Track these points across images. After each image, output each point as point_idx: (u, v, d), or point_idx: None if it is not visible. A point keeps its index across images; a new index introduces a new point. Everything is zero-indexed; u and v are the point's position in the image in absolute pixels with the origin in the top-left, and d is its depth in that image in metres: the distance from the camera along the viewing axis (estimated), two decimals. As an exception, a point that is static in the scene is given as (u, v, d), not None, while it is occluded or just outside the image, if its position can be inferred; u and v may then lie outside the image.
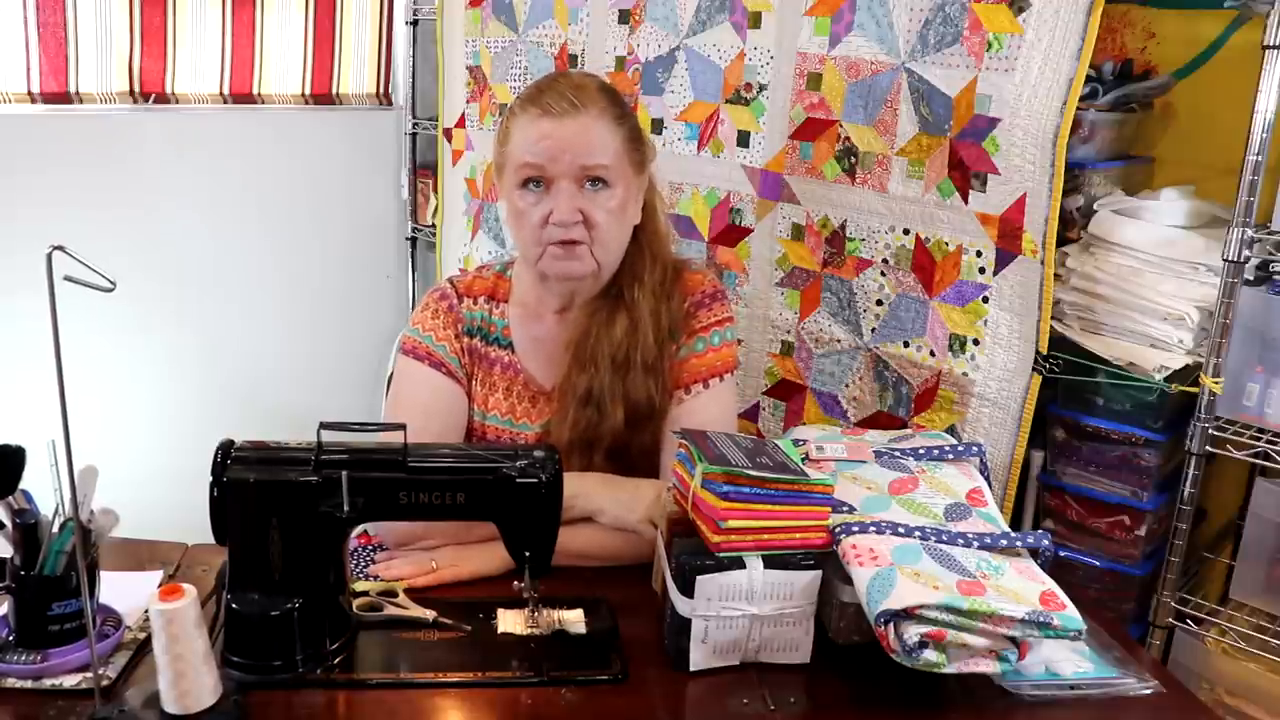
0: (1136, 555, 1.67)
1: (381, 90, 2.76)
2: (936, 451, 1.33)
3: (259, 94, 2.51)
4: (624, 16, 2.04)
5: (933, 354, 1.72)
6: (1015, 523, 1.74)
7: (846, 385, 1.84)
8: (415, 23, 2.71)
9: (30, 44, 2.13)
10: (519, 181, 1.35)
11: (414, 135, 2.77)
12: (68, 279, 0.89)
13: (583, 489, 1.33)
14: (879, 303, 1.77)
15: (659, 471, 1.43)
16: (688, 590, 1.10)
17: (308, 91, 2.60)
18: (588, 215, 1.33)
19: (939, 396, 1.72)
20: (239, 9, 2.41)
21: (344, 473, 1.08)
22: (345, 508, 1.08)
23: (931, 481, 1.27)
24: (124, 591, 1.15)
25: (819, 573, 1.13)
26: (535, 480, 1.13)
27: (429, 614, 1.20)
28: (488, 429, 1.48)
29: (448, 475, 1.13)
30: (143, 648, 1.10)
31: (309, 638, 1.09)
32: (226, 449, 1.10)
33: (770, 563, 1.11)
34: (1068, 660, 1.16)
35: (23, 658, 1.05)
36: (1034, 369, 1.61)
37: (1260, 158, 1.43)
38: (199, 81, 2.40)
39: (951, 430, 1.67)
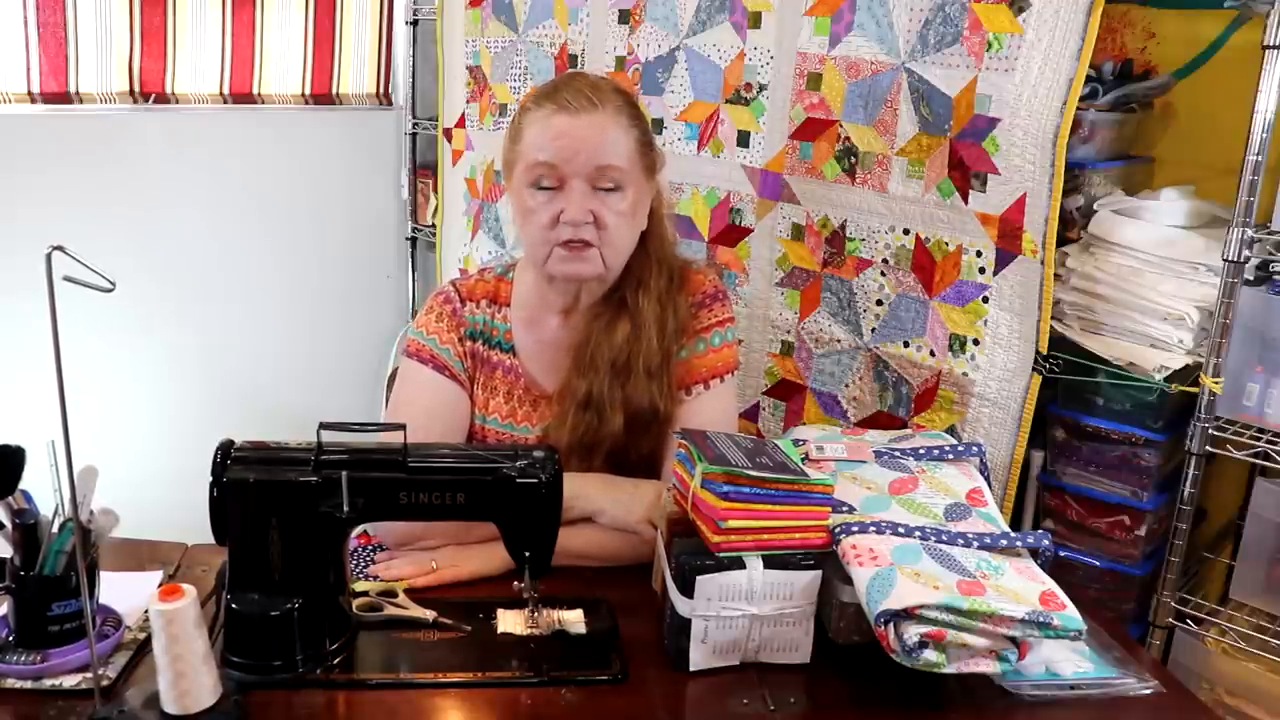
0: (1136, 555, 1.67)
1: (381, 90, 2.76)
2: (936, 451, 1.33)
3: (259, 94, 2.51)
4: (624, 16, 2.04)
5: (933, 354, 1.72)
6: (1015, 523, 1.74)
7: (846, 385, 1.84)
8: (415, 23, 2.71)
9: (30, 44, 2.13)
10: (530, 180, 1.35)
11: (414, 135, 2.77)
12: (67, 279, 0.89)
13: (582, 490, 1.33)
14: (879, 303, 1.77)
15: (659, 477, 1.43)
16: (688, 590, 1.10)
17: (308, 91, 2.60)
18: (598, 216, 1.33)
19: (939, 396, 1.72)
20: (239, 9, 2.41)
21: (344, 473, 1.08)
22: (345, 508, 1.08)
23: (931, 481, 1.27)
24: (124, 591, 1.15)
25: (819, 573, 1.13)
26: (535, 480, 1.13)
27: (429, 614, 1.19)
28: (488, 432, 1.48)
29: (448, 475, 1.13)
30: (143, 648, 1.10)
31: (309, 638, 1.09)
32: (226, 449, 1.10)
33: (770, 563, 1.11)
34: (1068, 660, 1.16)
35: (23, 658, 1.05)
36: (1034, 369, 1.61)
37: (1260, 158, 1.43)
38: (199, 81, 2.40)
39: (951, 430, 1.67)
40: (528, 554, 1.15)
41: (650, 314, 1.41)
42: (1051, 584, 1.11)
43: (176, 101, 2.37)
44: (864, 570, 1.09)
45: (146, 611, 1.12)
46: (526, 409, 1.47)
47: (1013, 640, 1.06)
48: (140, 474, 1.92)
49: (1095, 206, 1.68)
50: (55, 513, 1.07)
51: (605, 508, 1.34)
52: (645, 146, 1.39)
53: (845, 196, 1.78)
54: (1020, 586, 1.09)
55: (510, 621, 1.19)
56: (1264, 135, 1.43)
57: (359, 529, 1.37)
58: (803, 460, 1.22)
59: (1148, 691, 1.13)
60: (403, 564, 1.30)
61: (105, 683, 1.04)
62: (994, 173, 1.58)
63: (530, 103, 1.38)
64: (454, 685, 1.09)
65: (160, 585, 1.10)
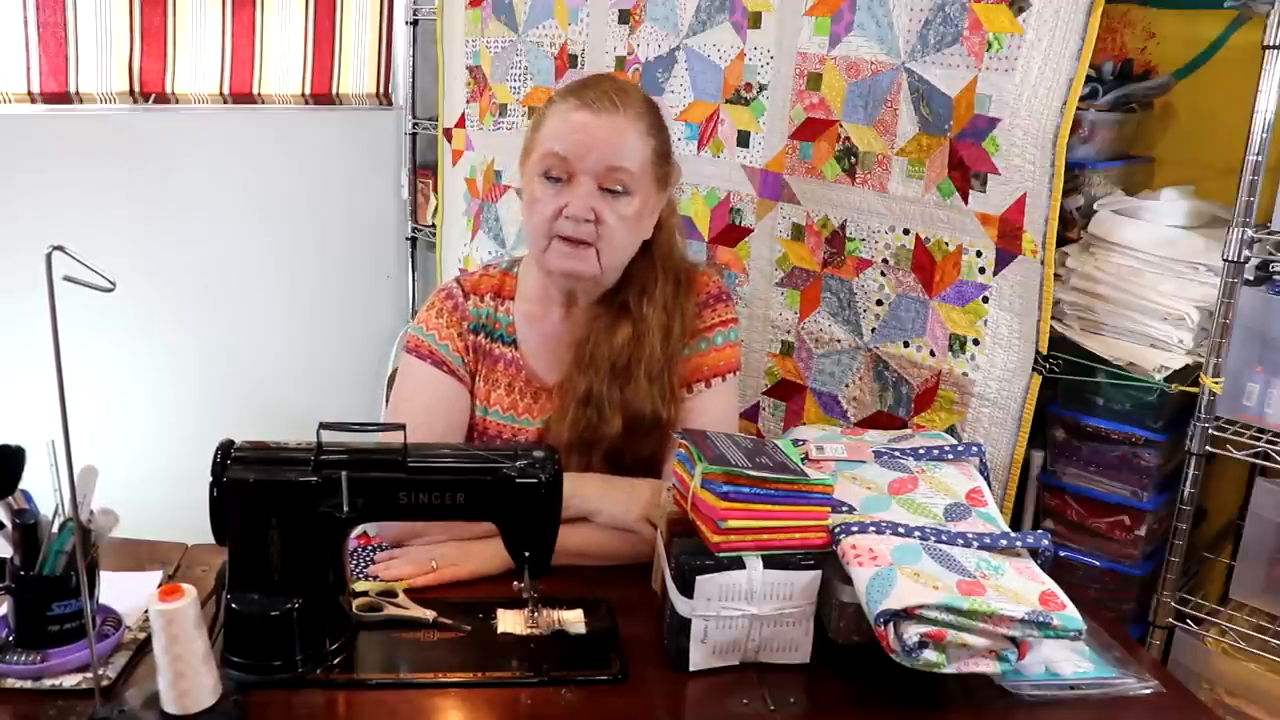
0: (1136, 555, 1.67)
1: (381, 90, 2.76)
2: (936, 451, 1.33)
3: (259, 94, 2.51)
4: (624, 16, 2.04)
5: (933, 354, 1.72)
6: (1015, 523, 1.74)
7: (846, 385, 1.84)
8: (415, 23, 2.71)
9: (30, 44, 2.13)
10: (541, 169, 1.36)
11: (414, 135, 2.77)
12: (67, 279, 0.89)
13: (579, 488, 1.32)
14: (879, 303, 1.77)
15: (658, 478, 1.43)
16: (687, 590, 1.10)
17: (308, 91, 2.60)
18: (600, 215, 1.33)
19: (939, 396, 1.72)
20: (239, 9, 2.41)
21: (344, 473, 1.08)
22: (345, 508, 1.08)
23: (931, 481, 1.27)
24: (124, 591, 1.15)
25: (819, 573, 1.13)
26: (535, 480, 1.13)
27: (429, 614, 1.20)
28: (489, 424, 1.48)
29: (448, 475, 1.13)
30: (143, 648, 1.10)
31: (309, 638, 1.09)
32: (226, 449, 1.10)
33: (770, 563, 1.11)
34: (1068, 660, 1.16)
35: (23, 658, 1.05)
36: (1034, 369, 1.61)
37: (1260, 158, 1.43)
38: (199, 81, 2.40)
39: (951, 430, 1.67)
40: (527, 554, 1.15)
41: (655, 321, 1.41)
42: (1051, 584, 1.11)
43: (176, 101, 2.37)
44: (864, 570, 1.09)
45: (146, 611, 1.12)
46: (528, 401, 1.47)
47: (1013, 640, 1.06)
48: (140, 474, 1.91)
49: (1095, 206, 1.68)
50: (55, 513, 1.07)
51: (602, 507, 1.34)
52: (661, 158, 1.39)
53: (845, 196, 1.78)
54: (1020, 586, 1.09)
55: (510, 621, 1.19)
56: (1264, 135, 1.43)
57: (359, 529, 1.37)
58: (803, 460, 1.22)
59: (1148, 691, 1.13)
60: (403, 564, 1.30)
61: (105, 683, 1.04)
62: (994, 173, 1.58)
63: (556, 95, 1.39)
64: (454, 685, 1.09)
65: (160, 585, 1.10)
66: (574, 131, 1.33)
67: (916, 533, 1.15)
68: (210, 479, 1.08)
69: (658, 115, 1.41)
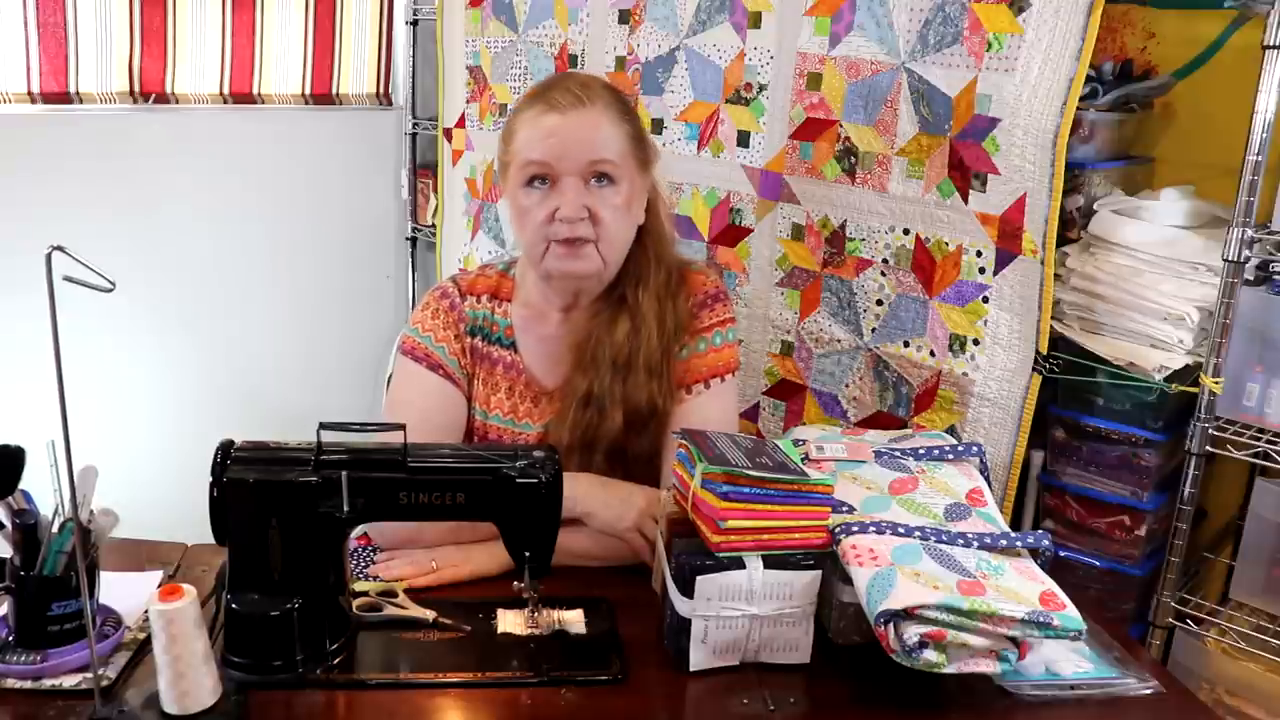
0: (1136, 555, 1.67)
1: (381, 90, 2.76)
2: (936, 451, 1.33)
3: (259, 94, 2.51)
4: (624, 16, 2.04)
5: (933, 354, 1.72)
6: (1015, 523, 1.74)
7: (846, 385, 1.84)
8: (415, 23, 2.71)
9: (30, 44, 2.13)
10: (524, 180, 1.35)
11: (414, 135, 2.77)
12: (67, 279, 0.89)
13: (575, 491, 1.31)
14: (879, 303, 1.77)
15: (658, 476, 1.43)
16: (688, 590, 1.10)
17: (308, 91, 2.60)
18: (594, 212, 1.33)
19: (939, 396, 1.72)
20: (239, 9, 2.41)
21: (344, 473, 1.08)
22: (345, 508, 1.08)
23: (931, 481, 1.27)
24: (124, 591, 1.15)
25: (819, 573, 1.13)
26: (535, 480, 1.13)
27: (429, 614, 1.20)
28: (490, 429, 1.48)
29: (448, 475, 1.13)
30: (143, 648, 1.10)
31: (309, 638, 1.09)
32: (226, 449, 1.10)
33: (770, 563, 1.11)
34: (1068, 660, 1.16)
35: (22, 658, 1.05)
36: (1034, 369, 1.61)
37: (1260, 158, 1.43)
38: (199, 81, 2.40)
39: (951, 430, 1.67)
40: (528, 554, 1.15)
41: (650, 311, 1.41)
42: (1051, 584, 1.11)
43: (176, 101, 2.37)
44: (864, 570, 1.09)
45: (146, 611, 1.12)
46: (528, 405, 1.47)
47: (1013, 640, 1.06)
48: (140, 474, 1.92)
49: (1095, 206, 1.68)
50: (55, 513, 1.07)
51: (596, 511, 1.33)
52: (637, 142, 1.39)
53: (845, 196, 1.78)
54: (1020, 586, 1.09)
55: (510, 621, 1.19)
56: (1264, 135, 1.43)
57: (359, 529, 1.37)
58: (803, 460, 1.22)
59: (1148, 691, 1.13)
60: (403, 564, 1.30)
61: (105, 683, 1.04)
62: (994, 173, 1.58)
63: (521, 104, 1.39)
64: (454, 685, 1.09)
65: (160, 585, 1.10)
66: (547, 136, 1.32)
67: (916, 533, 1.15)
68: (210, 479, 1.08)
69: (624, 101, 1.40)
